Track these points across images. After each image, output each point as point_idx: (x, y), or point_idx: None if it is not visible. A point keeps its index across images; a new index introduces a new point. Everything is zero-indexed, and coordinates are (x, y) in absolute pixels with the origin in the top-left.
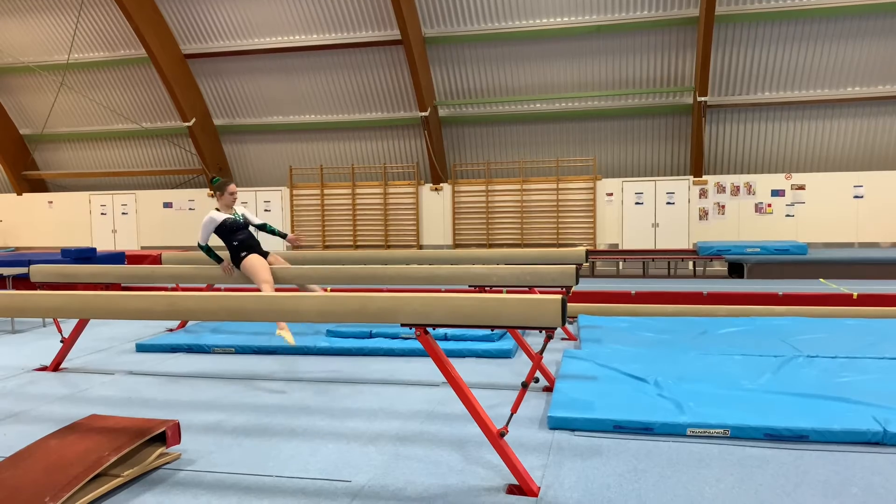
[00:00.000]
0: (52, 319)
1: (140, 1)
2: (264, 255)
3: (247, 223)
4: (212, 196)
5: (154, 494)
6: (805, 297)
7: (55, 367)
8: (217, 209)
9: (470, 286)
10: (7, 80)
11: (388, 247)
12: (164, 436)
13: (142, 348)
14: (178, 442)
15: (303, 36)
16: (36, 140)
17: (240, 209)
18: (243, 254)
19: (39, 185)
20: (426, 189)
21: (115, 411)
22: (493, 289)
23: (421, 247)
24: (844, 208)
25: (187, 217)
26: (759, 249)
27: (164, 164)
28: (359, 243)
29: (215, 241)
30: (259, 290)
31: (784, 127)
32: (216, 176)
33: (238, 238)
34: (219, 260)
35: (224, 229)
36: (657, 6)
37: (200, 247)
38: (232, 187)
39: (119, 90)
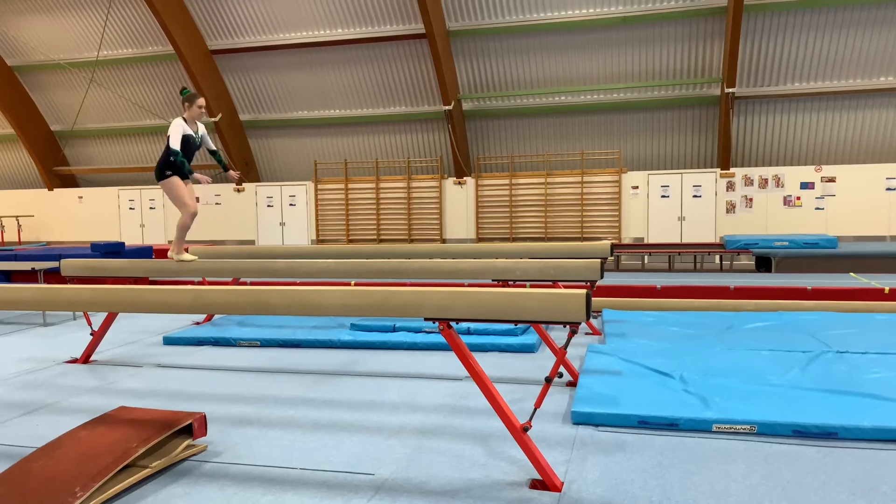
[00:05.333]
0: (82, 313)
1: None
2: (186, 179)
3: (201, 146)
4: (238, 190)
5: (181, 485)
6: (835, 291)
7: (85, 359)
8: (184, 119)
9: (493, 280)
10: (38, 77)
11: (412, 241)
12: (190, 428)
13: (169, 341)
14: (205, 434)
15: (327, 31)
16: (66, 136)
17: (202, 129)
18: (168, 172)
19: (69, 181)
20: (450, 183)
21: (143, 403)
22: (517, 283)
23: (444, 241)
24: (876, 201)
25: (214, 211)
26: (787, 243)
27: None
28: (382, 237)
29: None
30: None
31: (814, 118)
32: (186, 88)
33: (182, 157)
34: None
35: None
36: None
37: (176, 153)
38: (201, 101)
39: (147, 86)
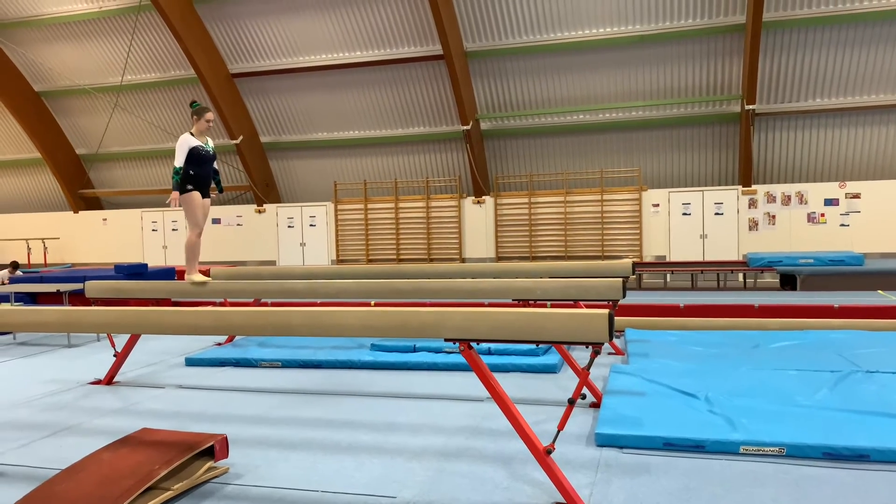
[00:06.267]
0: (105, 334)
1: (190, 23)
2: (206, 196)
3: (215, 156)
4: (259, 211)
5: None
6: (862, 309)
7: (109, 380)
8: (191, 134)
9: (514, 300)
10: (65, 102)
11: (431, 260)
12: (212, 450)
13: (191, 362)
14: (226, 456)
15: (346, 53)
16: (91, 159)
17: (210, 143)
18: (189, 187)
19: (94, 203)
20: (469, 202)
21: (165, 425)
22: (538, 302)
23: (464, 260)
24: None
25: (235, 233)
26: (812, 260)
27: None
28: (402, 257)
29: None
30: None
31: (836, 134)
32: (196, 101)
33: (198, 170)
34: (176, 187)
35: (191, 156)
36: (702, 14)
37: (177, 169)
38: (210, 115)
39: (169, 110)
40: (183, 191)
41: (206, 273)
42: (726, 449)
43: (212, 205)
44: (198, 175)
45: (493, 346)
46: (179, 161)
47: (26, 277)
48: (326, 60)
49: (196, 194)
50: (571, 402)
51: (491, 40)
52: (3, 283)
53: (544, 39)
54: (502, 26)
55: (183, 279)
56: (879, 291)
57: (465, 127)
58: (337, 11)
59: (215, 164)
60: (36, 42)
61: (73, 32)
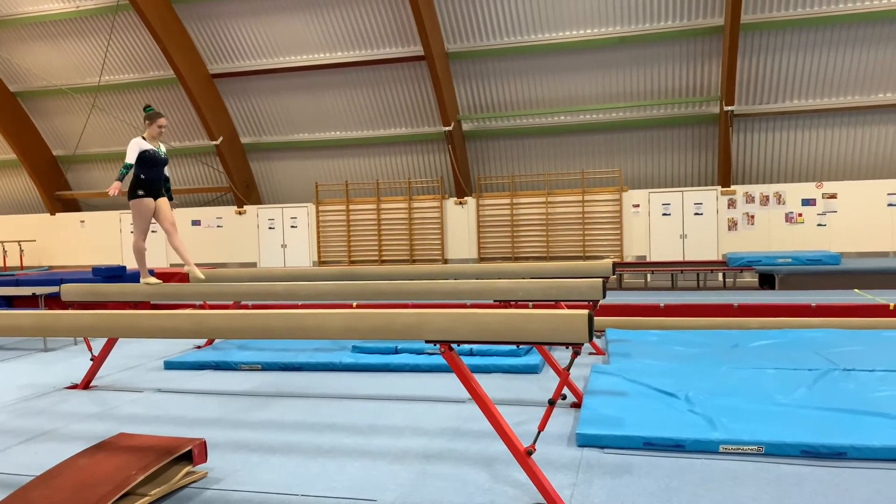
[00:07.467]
0: (82, 338)
1: (168, 23)
2: (159, 197)
3: (167, 161)
4: (240, 213)
5: None
6: (839, 308)
7: (85, 385)
8: (143, 138)
9: (495, 301)
10: (41, 102)
11: (414, 261)
12: (190, 454)
13: (170, 366)
14: (205, 460)
15: (327, 54)
16: (68, 161)
17: (163, 149)
18: (141, 192)
19: (72, 205)
20: (451, 203)
21: (143, 429)
22: (519, 303)
23: (446, 261)
24: (878, 216)
25: (216, 234)
26: (790, 260)
27: (193, 182)
28: (384, 258)
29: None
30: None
31: (814, 135)
32: (150, 105)
33: (149, 173)
34: (120, 178)
35: (143, 159)
36: (681, 16)
37: (126, 164)
38: (162, 121)
39: None
40: (133, 196)
41: (185, 276)
42: (706, 448)
43: (189, 206)
44: (149, 179)
45: (475, 346)
46: (131, 158)
47: (1, 280)
48: (307, 61)
49: (147, 200)
50: (552, 403)
51: (472, 41)
52: None
53: (525, 41)
54: (484, 27)
55: (163, 280)
56: (856, 290)
57: (446, 128)
58: (318, 12)
59: (166, 171)
60: (11, 42)
61: (49, 32)
